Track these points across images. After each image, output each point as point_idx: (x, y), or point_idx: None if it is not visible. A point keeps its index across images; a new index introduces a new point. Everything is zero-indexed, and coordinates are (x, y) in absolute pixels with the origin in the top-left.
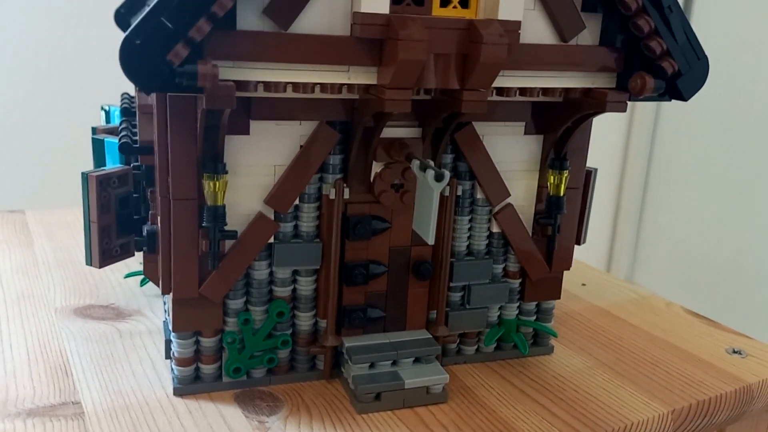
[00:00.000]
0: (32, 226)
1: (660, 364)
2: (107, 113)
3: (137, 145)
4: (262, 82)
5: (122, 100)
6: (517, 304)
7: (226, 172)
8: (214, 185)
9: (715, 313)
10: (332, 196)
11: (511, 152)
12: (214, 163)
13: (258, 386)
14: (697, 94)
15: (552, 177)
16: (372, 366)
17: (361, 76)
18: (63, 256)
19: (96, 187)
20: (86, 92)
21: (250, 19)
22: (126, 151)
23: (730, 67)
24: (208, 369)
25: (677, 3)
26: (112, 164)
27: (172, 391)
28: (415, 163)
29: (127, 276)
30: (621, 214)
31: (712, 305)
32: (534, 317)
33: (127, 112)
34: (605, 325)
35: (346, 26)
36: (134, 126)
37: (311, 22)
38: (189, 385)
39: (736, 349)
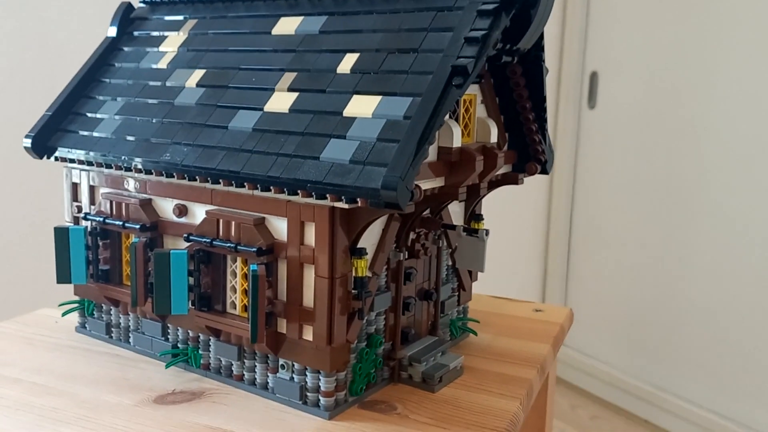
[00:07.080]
0: None
1: None
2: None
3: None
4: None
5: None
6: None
7: (367, 253)
8: (360, 263)
9: (638, 363)
10: (400, 258)
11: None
12: (359, 250)
13: (365, 398)
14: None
15: (473, 224)
16: (425, 362)
17: (439, 182)
18: None
19: None
20: None
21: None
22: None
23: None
24: (340, 395)
25: (546, 127)
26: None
27: (324, 418)
28: (459, 228)
29: (65, 314)
30: (549, 279)
31: (634, 358)
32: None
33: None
34: None
35: (434, 153)
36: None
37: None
38: (335, 410)
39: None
